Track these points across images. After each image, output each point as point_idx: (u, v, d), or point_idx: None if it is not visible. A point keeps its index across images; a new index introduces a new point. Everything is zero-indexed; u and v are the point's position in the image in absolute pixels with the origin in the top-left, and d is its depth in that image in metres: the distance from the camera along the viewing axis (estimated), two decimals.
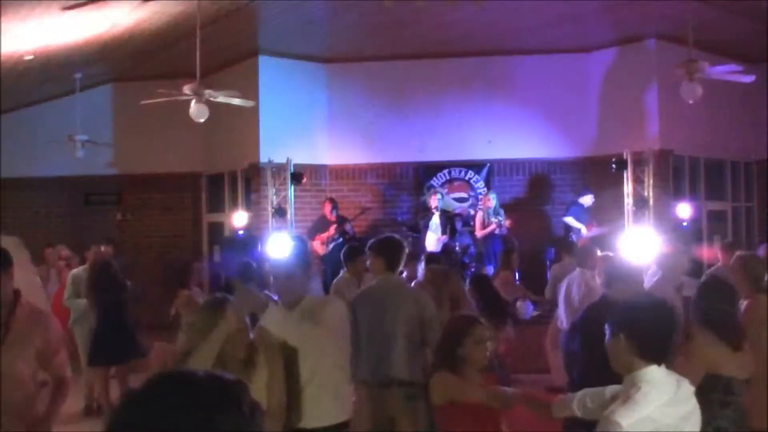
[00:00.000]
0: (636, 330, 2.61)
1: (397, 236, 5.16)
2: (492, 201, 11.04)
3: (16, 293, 3.63)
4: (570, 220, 11.02)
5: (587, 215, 11.06)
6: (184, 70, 10.13)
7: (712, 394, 3.59)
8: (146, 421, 1.16)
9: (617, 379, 2.74)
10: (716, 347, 3.70)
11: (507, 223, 10.95)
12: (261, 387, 3.46)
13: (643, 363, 2.56)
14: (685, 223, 10.85)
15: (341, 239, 10.78)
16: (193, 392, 1.19)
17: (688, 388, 2.61)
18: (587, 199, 11.11)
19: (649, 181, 10.41)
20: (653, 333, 2.59)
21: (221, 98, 8.83)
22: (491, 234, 10.90)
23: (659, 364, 2.56)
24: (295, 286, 3.82)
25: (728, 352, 3.70)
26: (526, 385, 8.16)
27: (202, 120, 8.66)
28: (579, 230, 10.85)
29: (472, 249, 11.13)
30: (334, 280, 5.99)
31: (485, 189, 11.97)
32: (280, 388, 3.54)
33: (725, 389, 3.64)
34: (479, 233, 11.00)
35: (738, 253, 5.10)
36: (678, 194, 11.54)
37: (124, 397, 1.21)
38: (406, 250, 4.87)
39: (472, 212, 11.75)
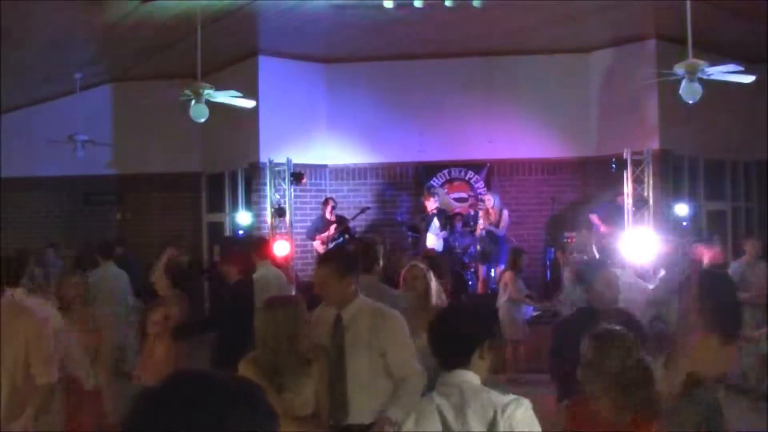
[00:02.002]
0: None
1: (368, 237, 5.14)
2: (489, 201, 11.01)
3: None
4: (593, 216, 10.90)
5: (617, 214, 10.90)
6: (184, 70, 10.16)
7: (698, 394, 3.57)
8: (161, 419, 1.16)
9: None
10: (707, 344, 3.66)
11: (503, 225, 10.92)
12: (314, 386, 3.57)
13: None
14: (684, 223, 10.84)
15: (342, 239, 10.79)
16: (209, 392, 1.20)
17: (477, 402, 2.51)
18: (622, 199, 10.90)
19: (649, 181, 10.41)
20: (434, 336, 2.66)
21: (221, 98, 8.84)
22: (495, 234, 10.87)
23: (447, 369, 2.56)
24: (344, 287, 3.77)
25: (718, 347, 3.66)
26: (525, 386, 8.18)
27: (202, 120, 8.66)
28: (597, 227, 10.71)
29: (472, 249, 11.13)
30: None
31: (485, 189, 11.97)
32: (324, 388, 3.61)
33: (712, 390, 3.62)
34: (500, 230, 10.90)
35: None
36: (678, 194, 11.54)
37: (140, 395, 1.22)
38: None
39: (472, 212, 11.75)
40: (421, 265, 5.22)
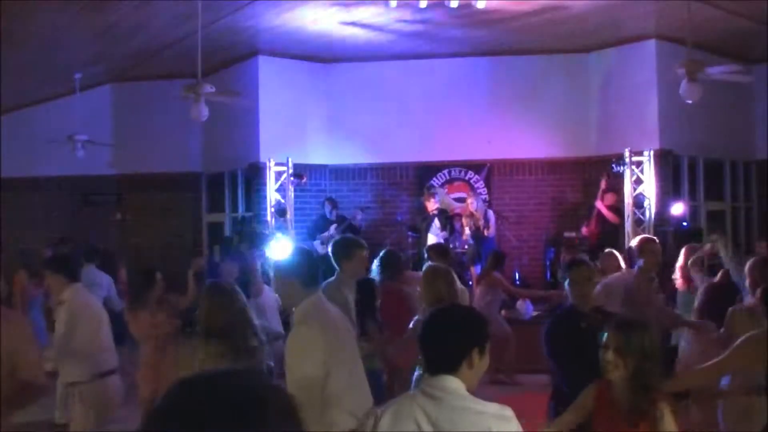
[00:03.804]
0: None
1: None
2: (472, 204, 10.96)
3: None
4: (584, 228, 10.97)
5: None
6: (184, 70, 10.16)
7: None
8: (174, 422, 1.15)
9: None
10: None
11: (490, 226, 10.87)
12: None
13: None
14: (684, 223, 10.85)
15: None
16: (223, 394, 1.17)
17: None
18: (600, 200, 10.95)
19: (649, 181, 10.41)
20: (421, 340, 2.66)
21: (221, 98, 8.84)
22: (482, 236, 10.82)
23: (431, 374, 2.55)
24: (293, 290, 3.67)
25: None
26: (527, 386, 8.18)
27: (202, 120, 8.66)
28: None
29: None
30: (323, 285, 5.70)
31: (485, 189, 11.98)
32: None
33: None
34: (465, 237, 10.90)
35: None
36: (677, 194, 11.54)
37: (168, 396, 1.20)
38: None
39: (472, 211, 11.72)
40: (442, 264, 5.11)
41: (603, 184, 10.71)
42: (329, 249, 5.20)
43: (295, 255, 3.96)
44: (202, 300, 4.02)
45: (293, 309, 3.65)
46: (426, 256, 6.82)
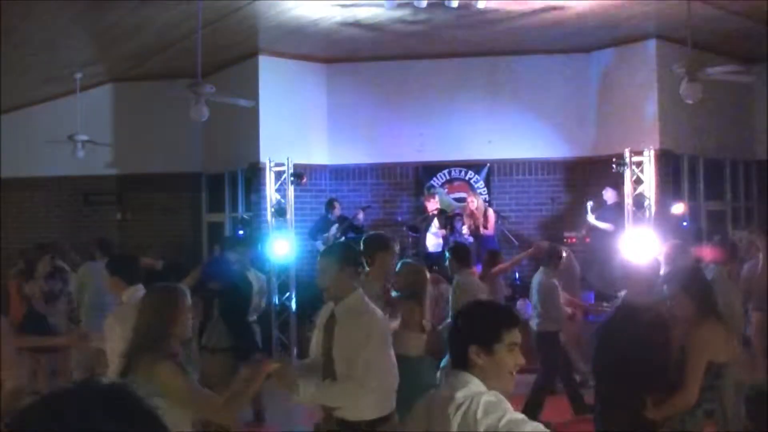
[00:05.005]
0: None
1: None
2: (473, 203, 10.92)
3: None
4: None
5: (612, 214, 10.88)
6: (184, 70, 10.15)
7: (704, 379, 3.87)
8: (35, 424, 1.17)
9: None
10: (719, 335, 3.97)
11: (490, 225, 10.85)
12: None
13: None
14: (685, 223, 10.84)
15: (343, 237, 10.76)
16: (72, 401, 1.19)
17: None
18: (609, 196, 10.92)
19: (649, 181, 10.40)
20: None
21: (221, 98, 8.83)
22: (483, 235, 10.80)
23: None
24: (336, 281, 3.81)
25: (726, 338, 4.01)
26: (525, 386, 8.18)
27: (202, 120, 8.66)
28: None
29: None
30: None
31: (485, 189, 11.97)
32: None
33: (716, 374, 3.95)
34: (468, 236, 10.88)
35: None
36: (677, 194, 11.54)
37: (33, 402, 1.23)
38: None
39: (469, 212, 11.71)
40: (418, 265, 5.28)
41: (590, 208, 10.81)
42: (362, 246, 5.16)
43: (359, 244, 4.29)
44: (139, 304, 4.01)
45: (337, 298, 3.82)
46: (447, 255, 7.10)
